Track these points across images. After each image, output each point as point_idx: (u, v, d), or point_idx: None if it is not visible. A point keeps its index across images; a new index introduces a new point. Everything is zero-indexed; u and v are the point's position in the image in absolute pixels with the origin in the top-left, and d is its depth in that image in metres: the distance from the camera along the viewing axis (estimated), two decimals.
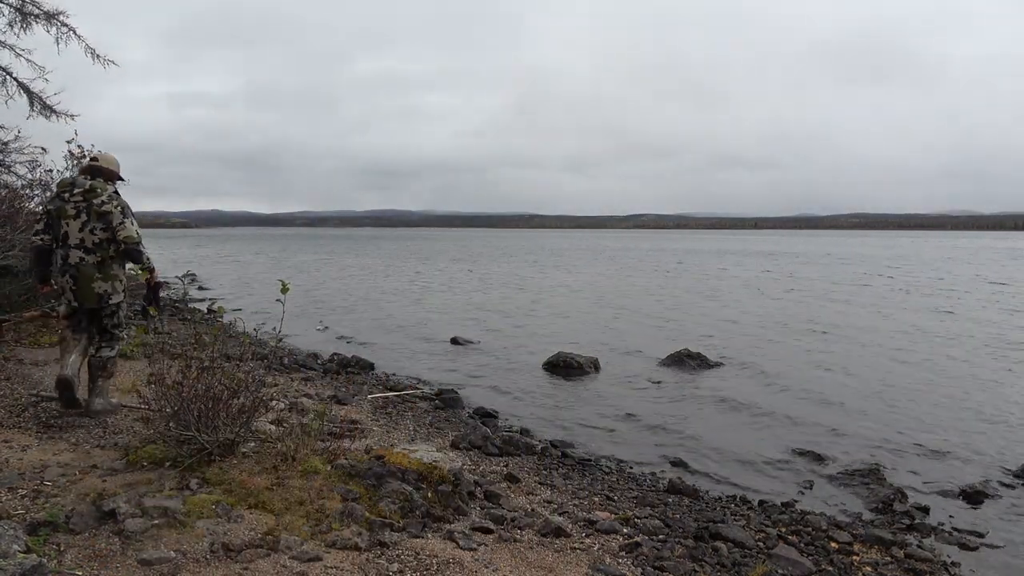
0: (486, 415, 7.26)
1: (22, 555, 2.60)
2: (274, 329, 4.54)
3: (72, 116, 10.09)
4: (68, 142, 8.29)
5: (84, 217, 4.76)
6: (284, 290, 4.30)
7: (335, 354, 10.19)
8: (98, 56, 10.25)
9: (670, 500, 4.95)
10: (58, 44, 9.74)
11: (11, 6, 9.51)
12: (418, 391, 6.75)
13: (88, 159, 5.03)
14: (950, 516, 4.99)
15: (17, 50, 9.65)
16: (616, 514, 4.35)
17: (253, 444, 4.07)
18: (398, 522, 3.43)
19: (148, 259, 5.01)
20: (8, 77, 9.77)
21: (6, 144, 9.14)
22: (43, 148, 8.45)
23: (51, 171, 8.51)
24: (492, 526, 3.65)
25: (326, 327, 13.27)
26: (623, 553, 3.63)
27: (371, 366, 9.55)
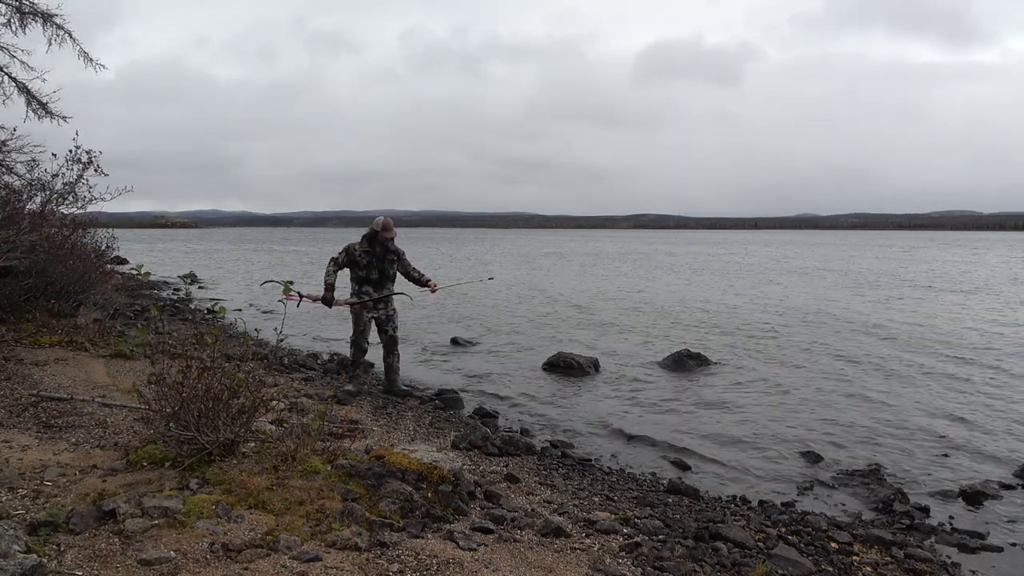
0: (486, 415, 7.26)
1: (22, 555, 2.60)
2: (275, 329, 4.55)
3: (65, 118, 10.11)
4: (73, 140, 8.29)
5: None
6: (286, 290, 4.31)
7: (335, 354, 10.19)
8: (91, 59, 10.26)
9: (670, 500, 4.95)
10: (50, 45, 9.76)
11: (9, 5, 9.51)
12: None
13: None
14: (950, 516, 4.98)
15: (12, 51, 9.67)
16: (616, 514, 4.35)
17: (253, 444, 4.07)
18: (398, 522, 3.43)
19: (327, 273, 7.06)
20: (6, 78, 9.78)
21: (4, 143, 9.14)
22: (53, 154, 8.45)
23: (56, 175, 8.50)
24: (492, 526, 3.65)
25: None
26: (623, 553, 3.63)
27: (371, 366, 9.55)
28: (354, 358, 7.34)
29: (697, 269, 34.14)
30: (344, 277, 7.13)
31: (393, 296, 7.26)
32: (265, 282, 7.29)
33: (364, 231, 7.16)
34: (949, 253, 53.05)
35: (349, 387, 7.20)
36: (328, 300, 6.99)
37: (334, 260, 7.04)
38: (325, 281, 6.99)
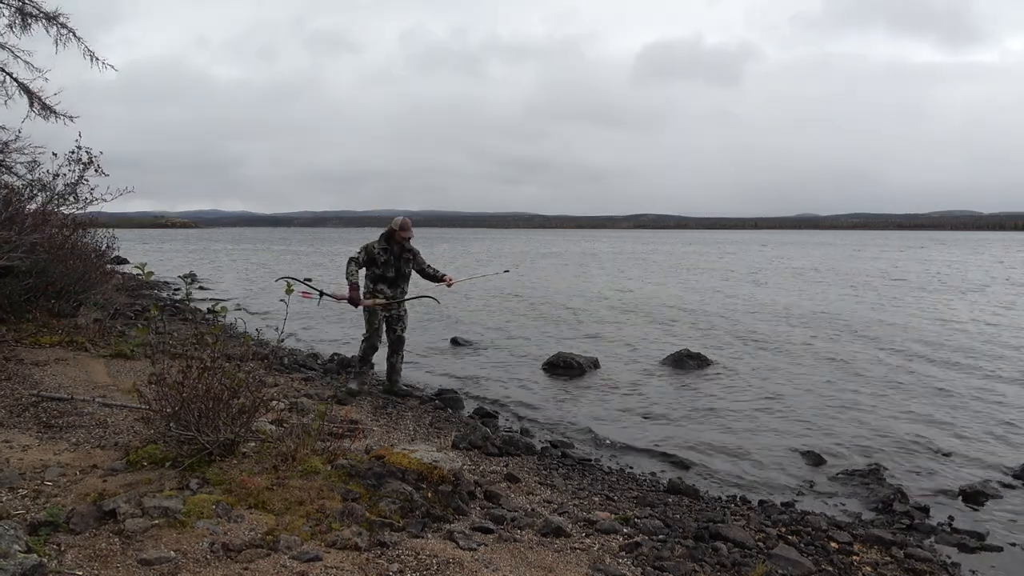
0: (486, 415, 7.26)
1: (22, 555, 2.60)
2: (276, 329, 4.56)
3: (72, 118, 10.10)
4: (76, 142, 8.29)
5: None
6: (288, 291, 4.31)
7: (335, 354, 10.20)
8: (96, 59, 10.26)
9: (670, 500, 4.95)
10: (57, 46, 9.76)
11: (11, 6, 9.51)
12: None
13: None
14: (950, 516, 4.99)
15: (15, 51, 9.67)
16: (616, 514, 4.35)
17: (253, 444, 4.07)
18: (398, 522, 3.43)
19: (349, 272, 7.01)
20: (8, 78, 9.78)
21: (6, 144, 9.15)
22: (54, 153, 8.45)
23: (57, 176, 8.49)
24: (492, 526, 3.65)
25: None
26: (623, 553, 3.63)
27: (372, 366, 9.55)
28: (365, 355, 7.35)
29: (694, 269, 34.15)
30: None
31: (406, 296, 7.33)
32: (280, 278, 7.38)
33: (364, 231, 7.21)
34: (947, 253, 53.08)
35: (352, 386, 7.20)
36: (355, 299, 7.00)
37: (355, 260, 7.07)
38: (349, 281, 6.99)
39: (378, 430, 5.85)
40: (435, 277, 7.33)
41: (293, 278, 6.76)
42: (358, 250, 7.12)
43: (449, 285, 7.36)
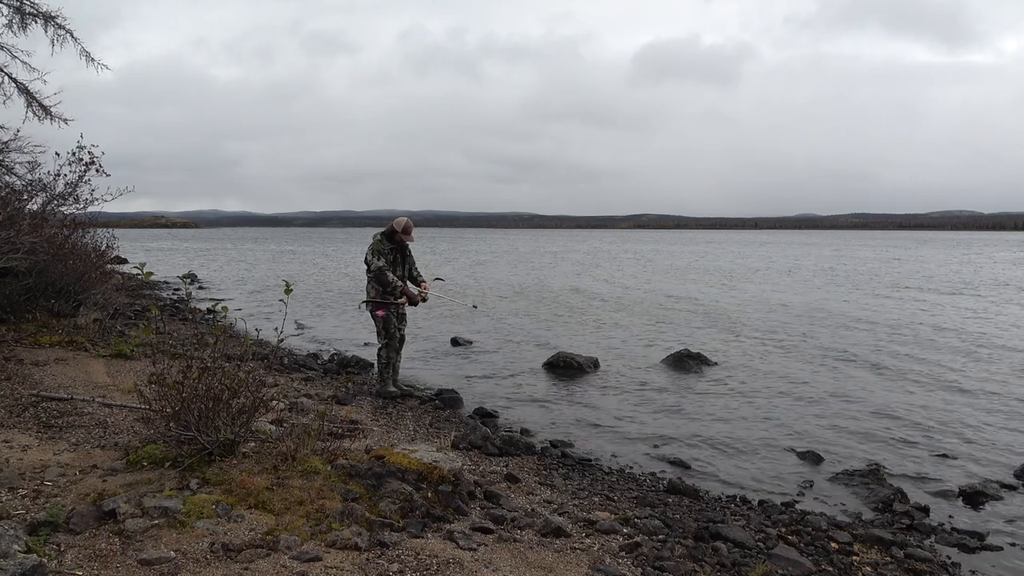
0: (486, 415, 7.25)
1: (22, 555, 2.60)
2: (276, 329, 4.56)
3: (66, 120, 10.12)
4: (78, 143, 8.29)
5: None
6: (288, 291, 4.31)
7: (335, 354, 10.20)
8: (92, 59, 10.28)
9: (670, 500, 4.95)
10: (53, 46, 9.77)
11: (10, 5, 9.52)
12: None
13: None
14: (950, 516, 4.99)
15: (14, 51, 9.67)
16: (616, 514, 4.35)
17: (253, 444, 4.07)
18: (398, 522, 3.43)
19: (392, 281, 7.09)
20: (7, 78, 9.79)
21: (6, 144, 9.15)
22: (56, 153, 8.46)
23: (58, 175, 8.48)
24: (492, 526, 3.66)
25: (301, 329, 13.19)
26: (623, 553, 3.63)
27: (371, 366, 9.55)
28: (389, 359, 7.41)
29: (689, 268, 34.16)
30: (358, 271, 7.25)
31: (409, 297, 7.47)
32: (363, 302, 7.68)
33: (365, 231, 7.25)
34: (944, 253, 53.11)
35: (392, 389, 7.35)
36: (414, 298, 7.29)
37: (386, 268, 7.12)
38: (398, 285, 7.15)
39: (378, 430, 5.85)
40: (416, 281, 7.51)
41: (366, 301, 7.04)
42: (375, 258, 7.12)
43: (423, 291, 7.51)
